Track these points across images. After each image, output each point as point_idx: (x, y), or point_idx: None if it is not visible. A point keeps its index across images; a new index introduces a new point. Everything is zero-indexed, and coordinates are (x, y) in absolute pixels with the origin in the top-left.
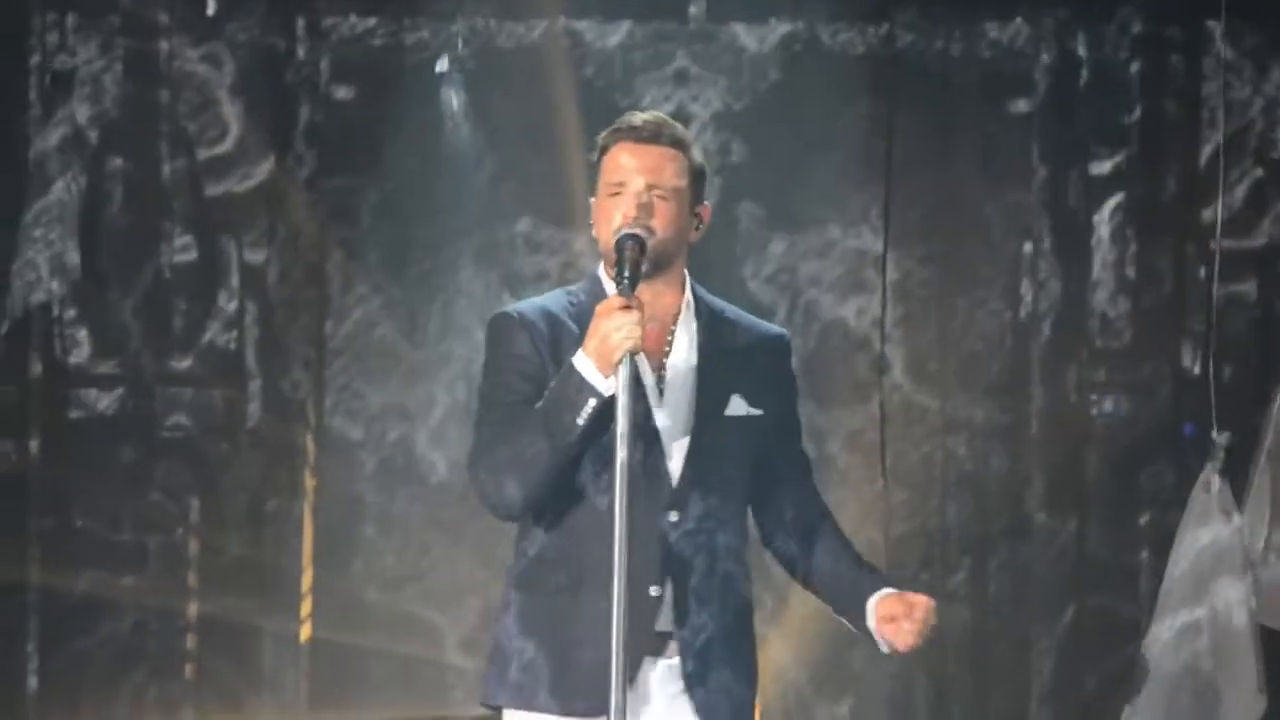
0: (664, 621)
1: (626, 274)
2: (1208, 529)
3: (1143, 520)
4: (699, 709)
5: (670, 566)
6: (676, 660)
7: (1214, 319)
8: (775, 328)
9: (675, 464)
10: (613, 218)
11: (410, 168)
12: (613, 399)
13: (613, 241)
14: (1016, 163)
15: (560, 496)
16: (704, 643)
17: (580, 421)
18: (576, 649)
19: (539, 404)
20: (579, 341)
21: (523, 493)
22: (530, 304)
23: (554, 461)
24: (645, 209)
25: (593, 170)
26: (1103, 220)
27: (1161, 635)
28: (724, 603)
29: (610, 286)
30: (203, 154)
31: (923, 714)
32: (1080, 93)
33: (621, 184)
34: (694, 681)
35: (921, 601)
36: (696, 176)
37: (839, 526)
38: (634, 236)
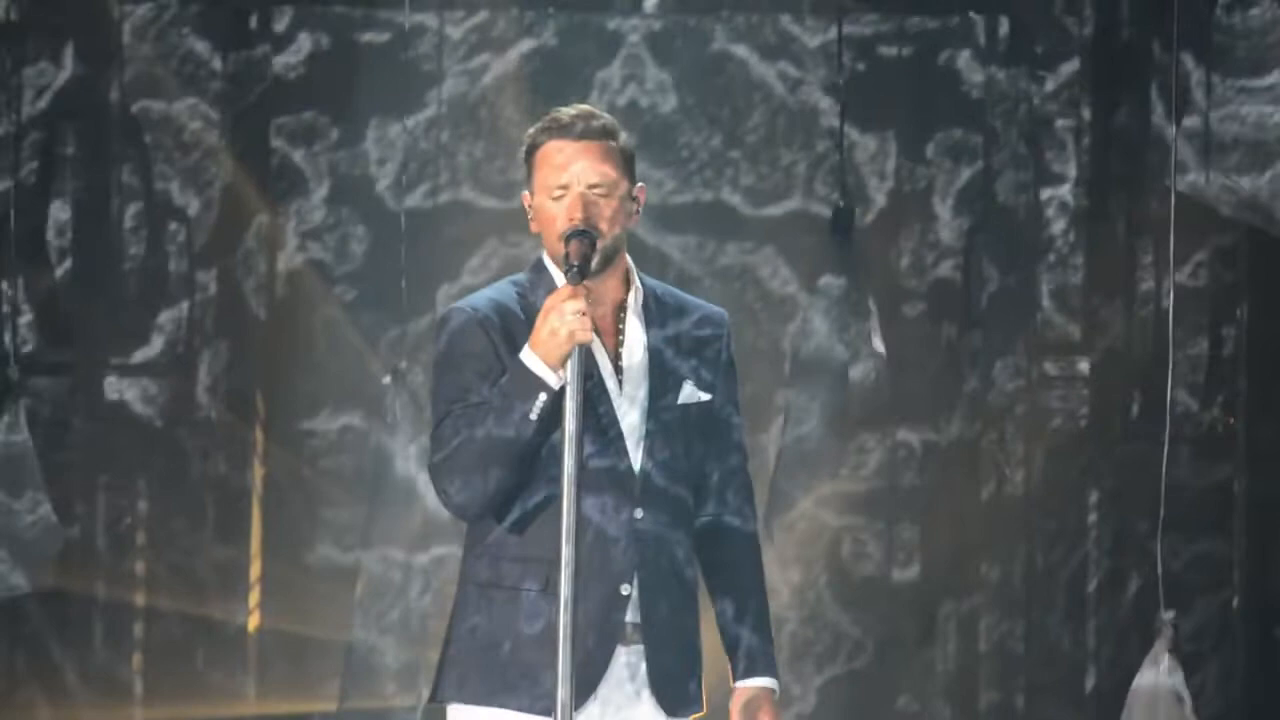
0: (631, 614)
1: (575, 264)
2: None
3: None
4: (658, 694)
5: (638, 562)
6: (641, 647)
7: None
8: (714, 307)
9: (637, 457)
10: (556, 219)
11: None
12: (563, 392)
13: (560, 239)
14: None
15: (523, 495)
16: (664, 629)
17: (533, 417)
18: (536, 647)
19: (492, 402)
20: (529, 332)
21: (481, 491)
22: (482, 297)
23: (510, 459)
24: (590, 207)
25: (525, 164)
26: None
27: None
28: (680, 588)
29: (558, 275)
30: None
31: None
32: None
33: (564, 187)
34: (655, 667)
35: None
36: (629, 162)
37: (752, 545)
38: (584, 232)
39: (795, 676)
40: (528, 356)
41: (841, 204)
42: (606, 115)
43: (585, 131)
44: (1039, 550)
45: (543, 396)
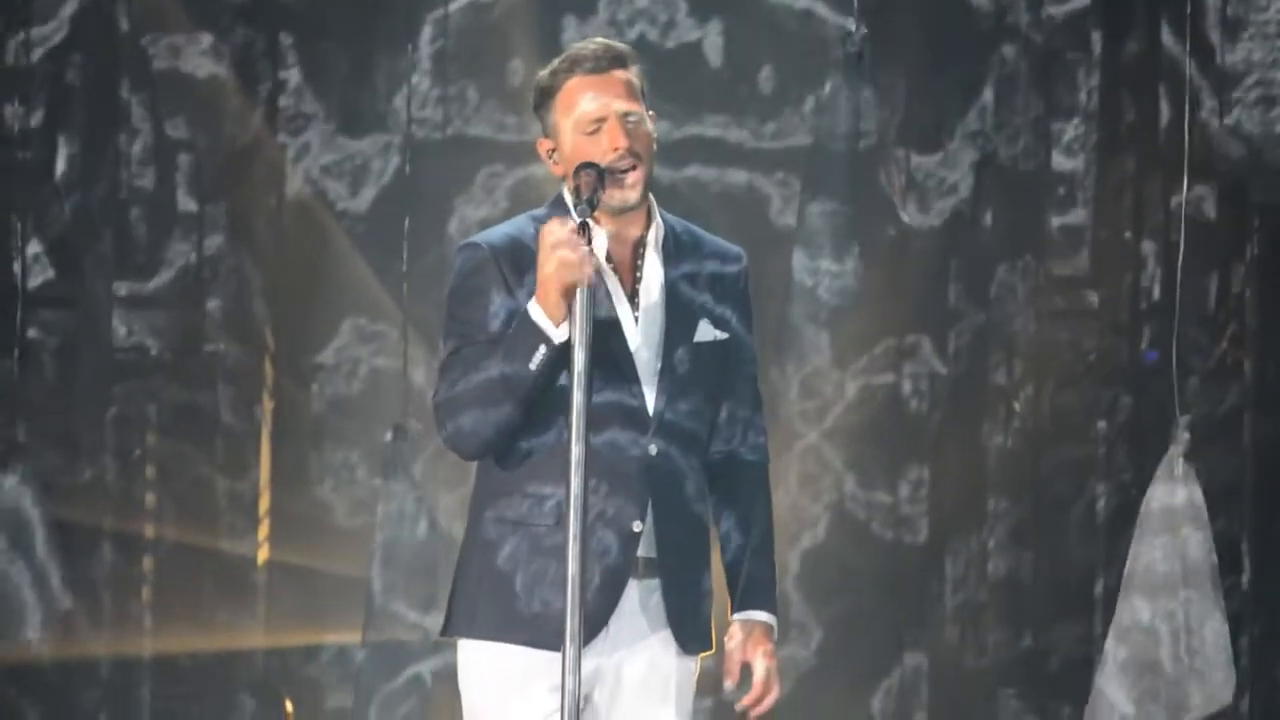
0: (644, 548)
1: (586, 197)
2: (1175, 512)
3: None
4: (676, 631)
5: (651, 498)
6: (656, 581)
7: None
8: (733, 246)
9: (651, 394)
10: (596, 153)
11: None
12: (566, 345)
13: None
14: None
15: (536, 431)
16: (677, 565)
17: (533, 368)
18: (549, 582)
19: (499, 345)
20: None
21: (483, 434)
22: (498, 233)
23: (512, 403)
24: (631, 136)
25: (539, 110)
26: None
27: (1129, 616)
28: (693, 525)
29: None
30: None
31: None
32: None
33: (600, 119)
34: (670, 603)
35: (759, 678)
36: (644, 90)
37: (761, 480)
38: (592, 165)
39: (804, 611)
40: (532, 307)
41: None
42: (620, 44)
43: (609, 64)
44: (1046, 483)
45: (542, 349)
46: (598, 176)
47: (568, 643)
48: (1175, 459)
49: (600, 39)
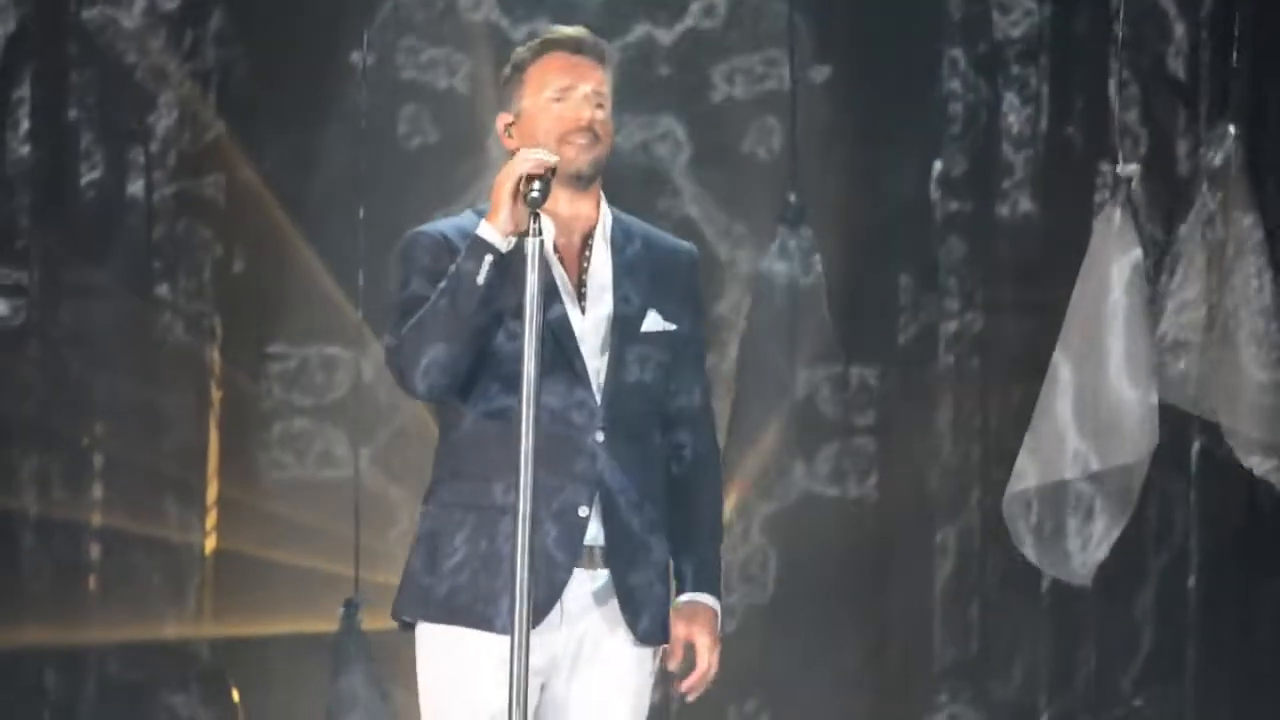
0: (592, 536)
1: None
2: (1112, 264)
3: None
4: (630, 619)
5: (598, 484)
6: (604, 571)
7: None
8: (684, 243)
9: (598, 381)
10: (559, 119)
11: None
12: (510, 255)
13: (558, 140)
14: None
15: (480, 413)
16: (627, 553)
17: (479, 281)
18: (499, 567)
19: (443, 284)
20: None
21: (434, 364)
22: (448, 223)
23: (461, 332)
24: (596, 110)
25: (508, 84)
26: None
27: (1063, 369)
28: (641, 514)
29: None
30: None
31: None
32: None
33: (568, 88)
34: (623, 592)
35: (702, 660)
36: (612, 92)
37: (711, 469)
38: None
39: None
40: (480, 226)
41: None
42: (603, 40)
43: (586, 49)
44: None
45: (488, 259)
46: (550, 170)
47: (515, 627)
48: (1113, 210)
49: (578, 28)
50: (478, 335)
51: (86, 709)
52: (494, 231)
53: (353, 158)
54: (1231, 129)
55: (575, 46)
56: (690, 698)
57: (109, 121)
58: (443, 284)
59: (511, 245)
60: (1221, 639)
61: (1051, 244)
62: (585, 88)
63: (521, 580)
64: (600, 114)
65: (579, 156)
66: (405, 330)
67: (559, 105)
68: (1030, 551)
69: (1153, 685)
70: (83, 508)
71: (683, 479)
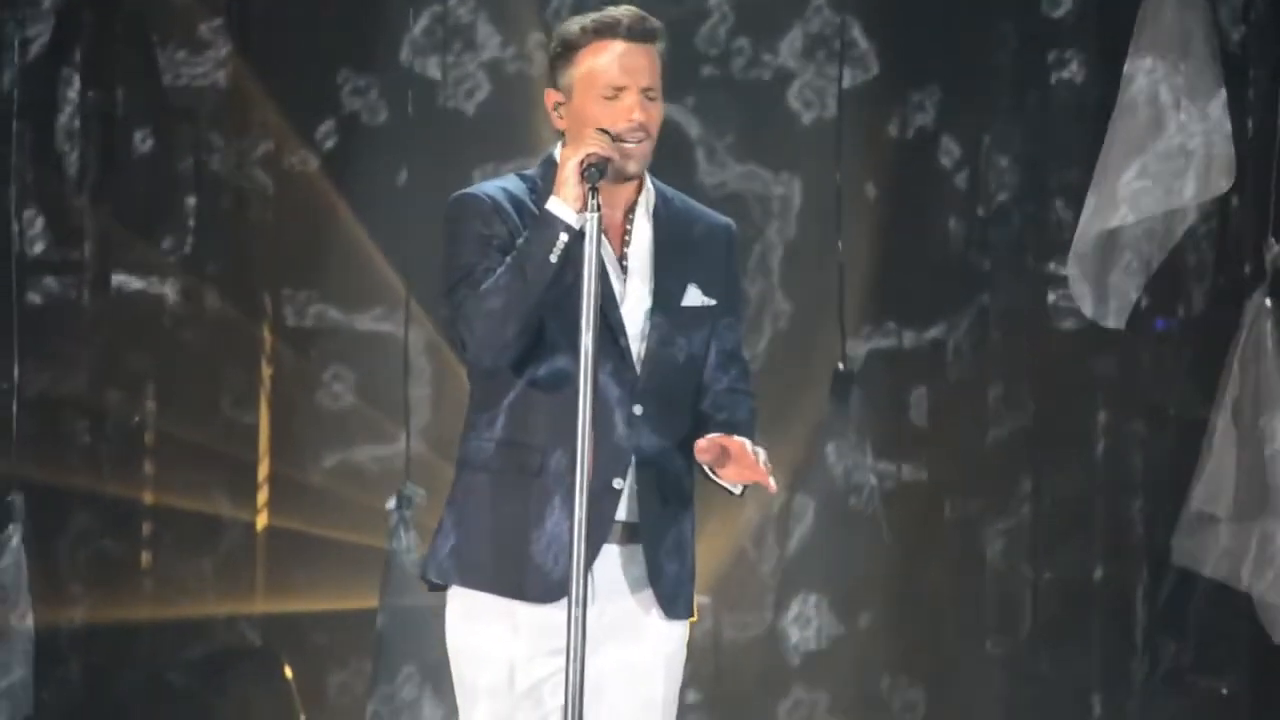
0: (624, 511)
1: (595, 163)
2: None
3: None
4: (660, 596)
5: (633, 458)
6: (638, 547)
7: None
8: (722, 217)
9: (638, 355)
10: (609, 120)
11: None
12: (584, 232)
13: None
14: None
15: (526, 382)
16: (658, 528)
17: (553, 259)
18: (534, 535)
19: (512, 256)
20: None
21: (501, 336)
22: (493, 185)
23: (528, 306)
24: (647, 110)
25: (557, 61)
26: None
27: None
28: (675, 489)
29: None
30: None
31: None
32: None
33: (621, 89)
34: (654, 569)
35: (736, 445)
36: (663, 70)
37: (749, 405)
38: (606, 132)
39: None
40: (551, 202)
41: None
42: (653, 18)
43: (640, 34)
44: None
45: (563, 237)
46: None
47: (572, 596)
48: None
49: (632, 7)
50: (543, 308)
51: (138, 686)
52: (566, 208)
53: (399, 123)
54: None
55: (630, 33)
56: (738, 489)
57: (159, 99)
58: (513, 256)
59: (584, 222)
60: None
61: None
62: (638, 85)
63: (578, 553)
64: (653, 110)
65: (628, 163)
66: (468, 299)
67: (608, 106)
68: (1085, 306)
69: None
70: (134, 485)
71: (718, 404)
